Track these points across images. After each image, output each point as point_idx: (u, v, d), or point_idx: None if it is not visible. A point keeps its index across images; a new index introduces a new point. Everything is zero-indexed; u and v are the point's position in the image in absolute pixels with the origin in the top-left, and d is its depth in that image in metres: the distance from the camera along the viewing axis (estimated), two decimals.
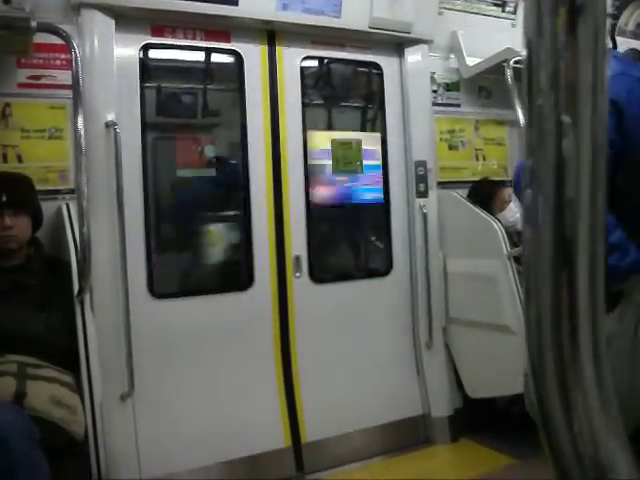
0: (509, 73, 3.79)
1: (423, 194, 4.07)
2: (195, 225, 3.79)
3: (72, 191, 3.15)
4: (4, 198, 2.77)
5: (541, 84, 0.49)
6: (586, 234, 0.49)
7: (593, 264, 0.50)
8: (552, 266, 0.50)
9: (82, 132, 2.71)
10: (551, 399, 0.53)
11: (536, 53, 0.49)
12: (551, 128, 0.48)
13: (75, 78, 2.74)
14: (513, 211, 4.07)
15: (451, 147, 4.37)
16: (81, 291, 2.73)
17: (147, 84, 3.49)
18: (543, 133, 0.49)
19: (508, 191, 4.16)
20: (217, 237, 3.81)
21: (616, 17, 4.46)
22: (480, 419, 3.93)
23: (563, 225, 0.49)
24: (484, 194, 4.18)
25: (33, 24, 2.63)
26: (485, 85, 4.44)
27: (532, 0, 0.48)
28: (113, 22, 3.26)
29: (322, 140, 3.97)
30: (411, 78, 4.11)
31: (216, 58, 3.84)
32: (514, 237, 3.86)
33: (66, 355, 2.67)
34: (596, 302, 0.51)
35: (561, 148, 0.48)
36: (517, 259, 3.65)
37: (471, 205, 4.00)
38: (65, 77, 3.13)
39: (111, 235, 3.14)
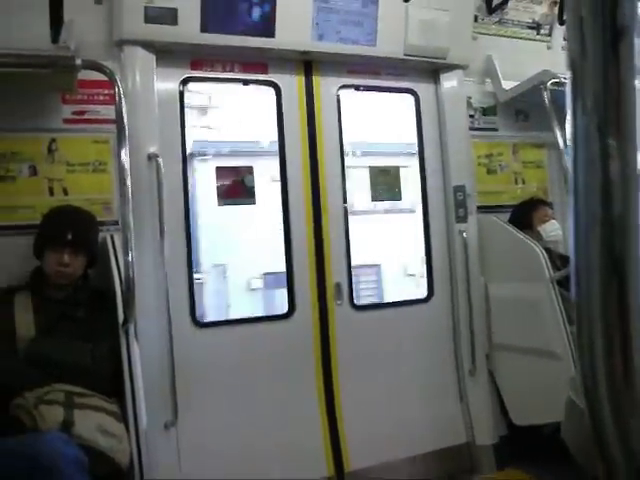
0: (546, 95, 3.76)
1: (462, 219, 4.05)
2: None
3: (116, 222, 3.21)
4: (69, 237, 2.84)
5: (586, 105, 0.49)
6: (635, 254, 0.49)
7: None
8: (602, 288, 0.50)
9: (126, 165, 2.77)
10: (607, 426, 0.52)
11: (580, 74, 0.50)
12: (596, 149, 0.49)
13: (119, 113, 2.80)
14: (554, 225, 4.03)
15: (489, 171, 4.35)
16: (126, 321, 2.76)
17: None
18: (589, 154, 0.49)
19: (549, 209, 4.12)
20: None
21: None
22: (526, 447, 3.85)
23: (611, 246, 0.49)
24: (525, 211, 4.14)
25: (78, 62, 2.70)
26: (522, 108, 4.42)
27: (575, 22, 0.49)
28: (154, 57, 3.34)
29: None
30: (447, 103, 4.12)
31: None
32: (557, 261, 3.81)
33: (112, 384, 2.71)
34: None
35: (608, 169, 0.48)
36: (560, 283, 3.60)
37: (512, 229, 3.96)
38: (108, 112, 3.22)
39: (154, 265, 3.19)
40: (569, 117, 0.52)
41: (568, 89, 0.51)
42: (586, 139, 0.49)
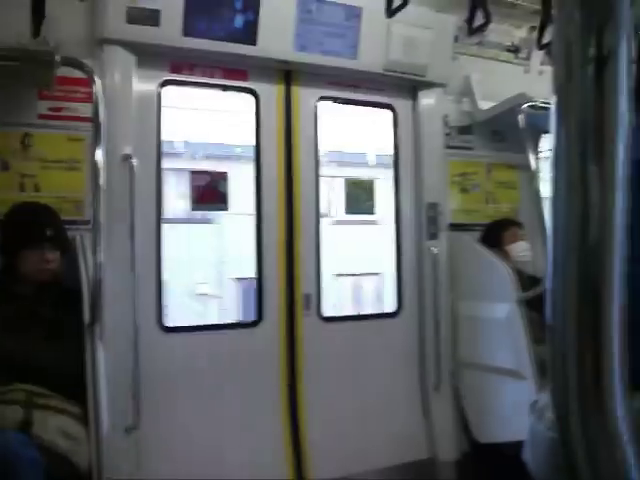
0: (521, 118, 3.81)
1: (433, 236, 4.08)
2: None
3: (87, 222, 3.18)
4: (49, 233, 2.80)
5: (570, 130, 0.50)
6: (610, 280, 0.50)
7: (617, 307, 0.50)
8: (577, 313, 0.50)
9: (100, 164, 2.74)
10: (577, 453, 0.53)
11: (565, 99, 0.51)
12: (577, 174, 0.50)
13: (95, 111, 2.78)
14: (523, 246, 4.07)
15: (463, 190, 4.39)
16: (92, 322, 2.73)
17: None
18: (569, 179, 0.50)
19: (519, 230, 4.17)
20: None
21: None
22: (488, 464, 3.87)
23: (587, 270, 0.50)
24: (495, 230, 4.19)
25: (57, 58, 2.68)
26: (498, 129, 4.47)
27: (561, 47, 0.50)
28: (134, 58, 3.33)
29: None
30: (424, 120, 4.15)
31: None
32: (525, 281, 3.85)
33: (74, 386, 2.66)
34: (617, 347, 0.51)
35: (587, 195, 0.49)
36: (528, 303, 3.64)
37: (482, 248, 4.00)
38: (84, 110, 3.19)
39: (123, 267, 3.16)
40: (552, 140, 0.53)
41: (552, 113, 0.52)
42: (567, 163, 0.50)
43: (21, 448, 2.20)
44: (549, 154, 0.53)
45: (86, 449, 2.55)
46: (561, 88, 0.52)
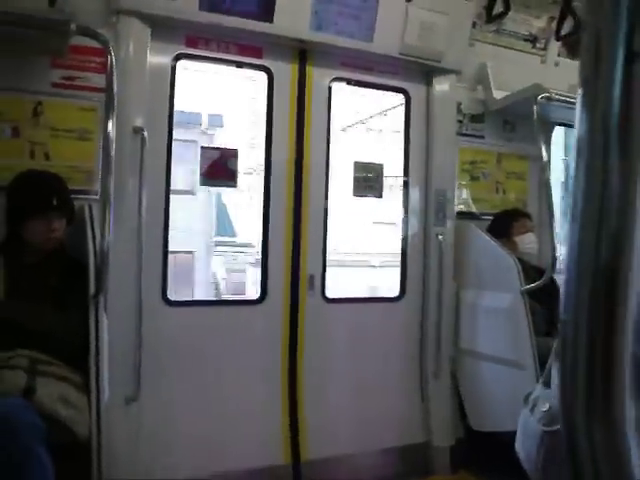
0: (535, 109, 3.79)
1: (441, 223, 4.08)
2: None
3: (96, 192, 3.19)
4: (54, 202, 2.81)
5: (594, 123, 0.50)
6: (627, 270, 0.50)
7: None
8: (590, 303, 0.50)
9: (111, 135, 2.74)
10: (580, 448, 0.53)
11: (592, 93, 0.51)
12: (599, 167, 0.50)
13: (109, 82, 2.77)
14: (531, 237, 4.07)
15: (472, 178, 4.38)
16: (97, 293, 2.74)
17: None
18: (591, 172, 0.50)
19: (528, 221, 4.16)
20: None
21: None
22: (482, 452, 3.90)
23: (604, 258, 0.50)
24: (505, 220, 4.19)
25: (72, 27, 2.67)
26: (510, 119, 4.46)
27: (592, 42, 0.50)
28: (149, 30, 3.31)
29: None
30: (438, 106, 4.13)
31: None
32: (530, 272, 3.85)
33: (77, 355, 2.69)
34: (630, 342, 0.51)
35: (608, 187, 0.49)
36: (531, 294, 3.65)
37: (488, 237, 4.00)
38: (97, 80, 3.18)
39: (130, 240, 3.17)
40: (576, 130, 0.53)
41: (578, 103, 0.52)
42: (590, 156, 0.50)
43: (23, 414, 2.23)
44: (572, 144, 0.53)
45: (86, 418, 2.58)
46: (588, 81, 0.51)
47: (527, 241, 4.04)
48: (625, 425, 0.51)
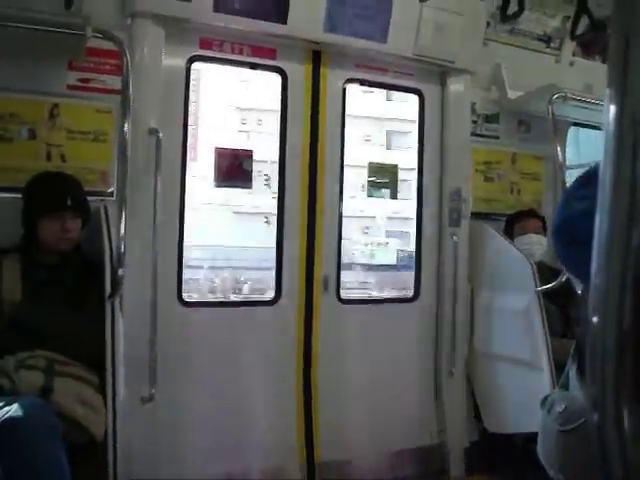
0: (550, 109, 3.78)
1: (455, 223, 4.07)
2: None
3: (111, 194, 3.21)
4: (69, 202, 2.82)
5: (622, 123, 0.50)
6: None
7: None
8: (620, 304, 0.50)
9: (127, 137, 2.75)
10: (611, 450, 0.53)
11: (620, 93, 0.51)
12: (628, 168, 0.49)
13: (125, 84, 2.78)
14: (530, 238, 4.03)
15: (487, 179, 4.37)
16: (113, 294, 2.76)
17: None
18: (619, 172, 0.50)
19: (536, 222, 4.13)
20: None
21: None
22: (497, 454, 3.89)
23: (633, 270, 0.50)
24: (508, 221, 4.19)
25: (88, 29, 2.69)
26: (524, 119, 4.44)
27: (620, 42, 0.49)
28: (164, 32, 3.32)
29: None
30: (452, 107, 4.12)
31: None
32: (546, 273, 3.83)
33: (93, 355, 2.70)
34: None
35: (636, 189, 0.49)
36: (546, 295, 3.63)
37: (503, 237, 3.99)
38: (113, 82, 3.19)
39: (145, 241, 3.18)
40: (604, 133, 0.52)
41: (606, 104, 0.51)
42: (619, 156, 0.50)
43: (41, 414, 2.24)
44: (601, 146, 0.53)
45: (103, 418, 2.59)
46: (617, 81, 0.51)
47: (524, 242, 4.01)
48: None
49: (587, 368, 0.55)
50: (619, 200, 0.50)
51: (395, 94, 4.09)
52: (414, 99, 4.13)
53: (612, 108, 0.50)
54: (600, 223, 0.51)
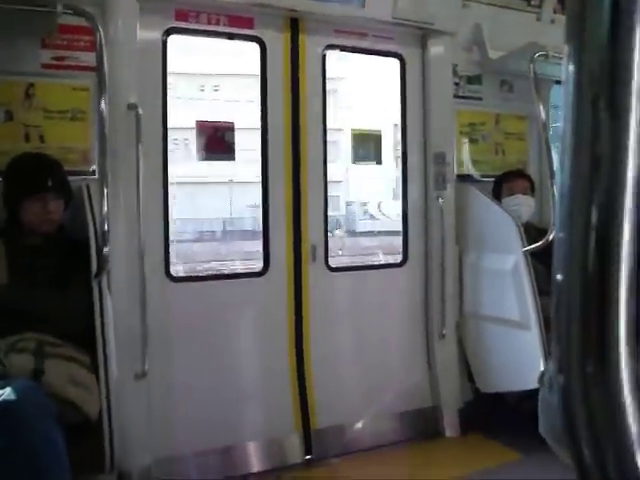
0: (532, 67, 3.75)
1: (441, 186, 4.06)
2: None
3: (92, 172, 3.18)
4: (50, 183, 2.80)
5: (582, 80, 0.49)
6: (619, 229, 0.49)
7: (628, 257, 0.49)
8: (582, 266, 0.50)
9: (105, 114, 2.72)
10: (579, 429, 0.53)
11: (578, 49, 0.50)
12: (588, 123, 0.49)
13: (99, 60, 2.74)
14: (518, 199, 4.04)
15: (471, 140, 4.35)
16: (99, 272, 2.75)
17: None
18: (580, 128, 0.49)
19: (522, 182, 4.14)
20: None
21: None
22: (490, 413, 3.94)
23: (596, 224, 0.49)
24: (496, 182, 4.20)
25: (59, 4, 2.64)
26: (507, 79, 4.41)
27: None
28: (138, 5, 3.26)
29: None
30: (433, 70, 4.09)
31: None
32: (532, 232, 3.84)
33: (83, 335, 2.70)
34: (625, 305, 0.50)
35: (598, 143, 0.48)
36: (534, 255, 3.64)
37: (488, 199, 3.99)
38: (88, 59, 3.14)
39: (130, 217, 3.16)
40: (562, 90, 0.51)
41: (564, 62, 0.50)
42: (579, 113, 0.49)
43: (34, 396, 2.24)
44: (561, 103, 0.52)
45: (96, 397, 2.60)
46: (574, 38, 0.50)
47: (511, 203, 4.02)
48: (621, 385, 0.50)
49: (552, 328, 0.55)
50: (580, 159, 0.49)
51: None
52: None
53: (570, 65, 0.49)
54: (562, 181, 0.51)
